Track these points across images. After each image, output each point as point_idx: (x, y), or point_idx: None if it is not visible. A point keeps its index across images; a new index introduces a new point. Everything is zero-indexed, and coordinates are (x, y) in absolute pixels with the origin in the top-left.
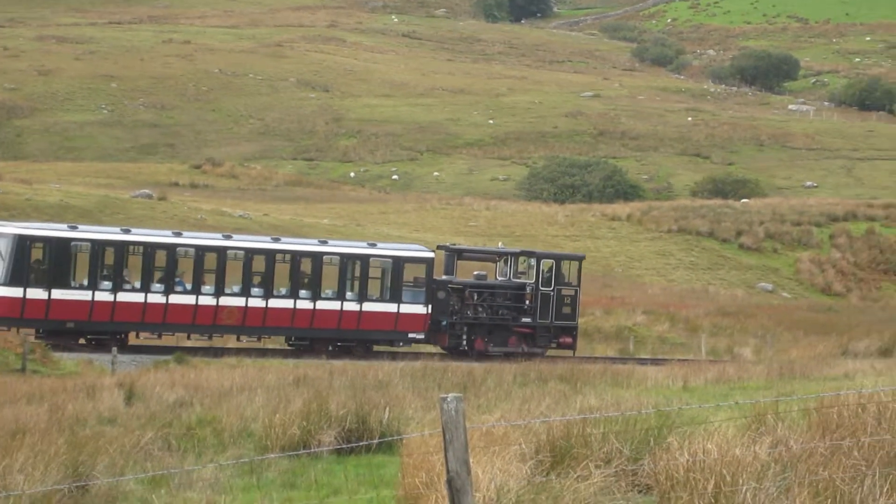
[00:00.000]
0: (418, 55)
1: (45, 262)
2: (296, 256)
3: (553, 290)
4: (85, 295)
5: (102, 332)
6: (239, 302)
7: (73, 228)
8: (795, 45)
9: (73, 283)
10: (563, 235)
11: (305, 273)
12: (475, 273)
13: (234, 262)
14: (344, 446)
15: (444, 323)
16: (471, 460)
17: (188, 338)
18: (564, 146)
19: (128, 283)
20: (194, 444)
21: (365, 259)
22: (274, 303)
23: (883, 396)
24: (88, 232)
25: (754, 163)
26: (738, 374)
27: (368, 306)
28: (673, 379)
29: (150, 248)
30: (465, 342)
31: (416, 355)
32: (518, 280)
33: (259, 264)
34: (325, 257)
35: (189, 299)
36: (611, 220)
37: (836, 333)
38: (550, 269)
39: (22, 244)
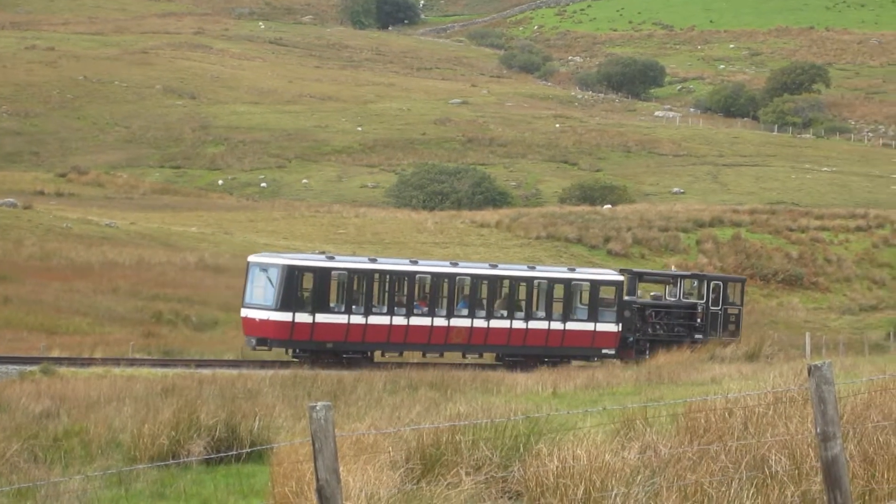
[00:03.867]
0: (286, 62)
1: (309, 289)
2: (513, 281)
3: (721, 309)
4: (342, 318)
5: (356, 351)
6: (466, 323)
7: (331, 259)
8: (661, 52)
9: (332, 308)
10: (432, 242)
11: (520, 297)
12: (652, 294)
13: (463, 288)
14: (213, 456)
15: (631, 339)
16: (341, 469)
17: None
18: (433, 153)
19: (376, 307)
20: (61, 455)
21: (568, 283)
22: (494, 323)
23: (749, 401)
24: (343, 262)
25: (622, 169)
26: (606, 380)
27: (571, 325)
28: (542, 385)
29: (393, 276)
30: (647, 357)
31: (286, 364)
32: (689, 300)
33: (483, 289)
34: (535, 282)
35: (426, 321)
36: (480, 227)
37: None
38: (717, 290)
39: (290, 273)
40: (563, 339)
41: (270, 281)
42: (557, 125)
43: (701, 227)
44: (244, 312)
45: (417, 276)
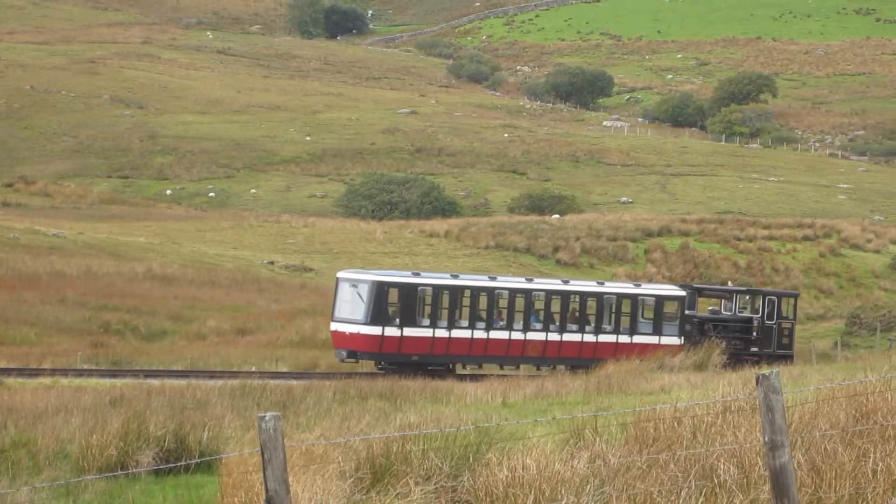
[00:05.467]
0: (234, 72)
1: (397, 304)
2: (583, 297)
3: (775, 324)
4: (427, 332)
5: (439, 363)
6: (541, 336)
7: (417, 275)
8: (609, 62)
9: (419, 322)
10: (381, 252)
11: (590, 311)
12: (710, 308)
13: (537, 303)
14: (162, 466)
15: None
16: (290, 479)
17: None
18: (382, 163)
19: (458, 321)
20: (8, 466)
21: (635, 298)
22: (567, 337)
23: (698, 410)
24: (429, 278)
25: (570, 179)
26: (556, 390)
27: (637, 339)
28: (492, 395)
29: (474, 291)
30: None
31: (234, 374)
32: (744, 314)
33: (556, 304)
34: (604, 297)
35: (504, 335)
36: (429, 237)
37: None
38: (772, 305)
39: (380, 289)
40: (629, 352)
41: (360, 296)
42: (506, 135)
43: (649, 237)
44: (334, 326)
45: (496, 291)
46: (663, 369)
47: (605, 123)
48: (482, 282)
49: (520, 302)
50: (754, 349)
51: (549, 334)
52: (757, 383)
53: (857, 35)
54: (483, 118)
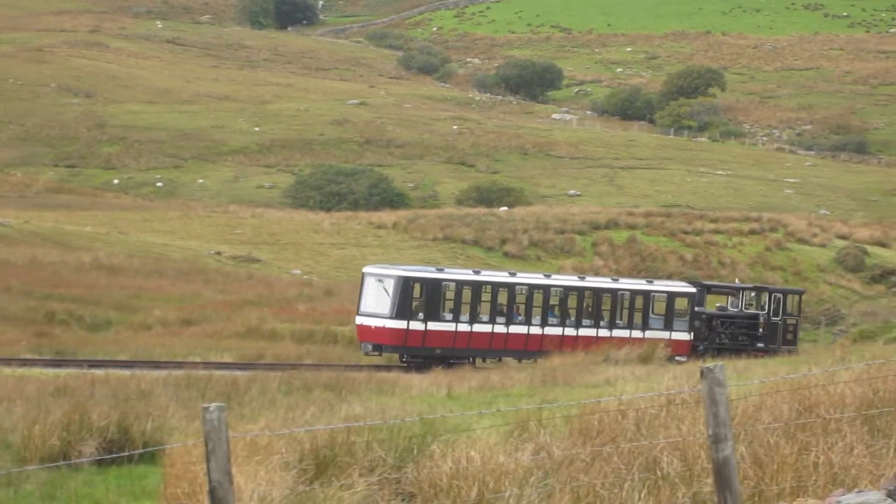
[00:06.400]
0: (183, 61)
1: (421, 298)
2: (599, 293)
3: (781, 320)
4: (450, 326)
5: (461, 357)
6: (557, 331)
7: (440, 270)
8: (559, 55)
9: (442, 317)
10: (329, 243)
11: (605, 307)
12: (717, 305)
13: (554, 298)
14: (105, 457)
15: (700, 348)
16: (234, 470)
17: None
18: (331, 154)
19: (479, 315)
20: None
21: (647, 294)
22: (583, 332)
23: (642, 403)
24: (452, 273)
25: (519, 171)
26: (501, 382)
27: (650, 334)
28: (437, 387)
29: (495, 287)
30: None
31: (179, 364)
32: (750, 311)
33: (573, 300)
34: (619, 293)
35: (523, 329)
36: (377, 228)
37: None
38: (778, 301)
39: (406, 284)
40: (643, 347)
41: (386, 291)
42: (455, 127)
43: (597, 230)
44: (359, 320)
45: (516, 287)
46: (608, 362)
47: (554, 116)
48: (502, 278)
49: (538, 297)
50: (760, 344)
51: (566, 329)
52: (701, 376)
53: (806, 30)
54: (432, 110)
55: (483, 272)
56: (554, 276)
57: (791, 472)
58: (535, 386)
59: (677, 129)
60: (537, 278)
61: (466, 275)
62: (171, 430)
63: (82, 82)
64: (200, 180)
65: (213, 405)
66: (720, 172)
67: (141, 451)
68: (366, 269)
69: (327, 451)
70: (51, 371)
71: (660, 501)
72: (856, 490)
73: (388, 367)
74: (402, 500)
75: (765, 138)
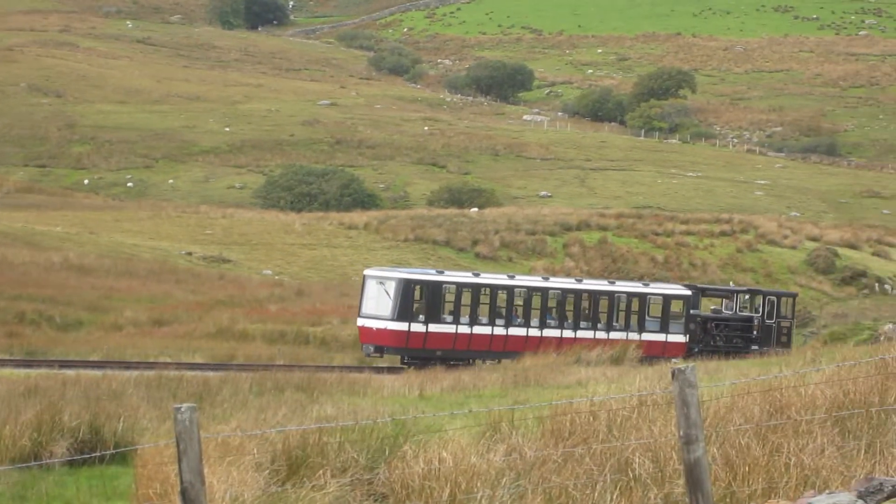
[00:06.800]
0: (153, 61)
1: (422, 301)
2: (596, 295)
3: (774, 322)
4: (450, 328)
5: (461, 359)
6: (556, 333)
7: (441, 273)
8: (530, 56)
9: (443, 319)
10: (299, 244)
11: (602, 309)
12: (712, 308)
13: (552, 301)
14: (77, 457)
15: (696, 350)
16: (206, 471)
17: None
18: (301, 154)
19: (479, 317)
20: None
21: (643, 297)
22: (580, 333)
23: (614, 404)
24: (452, 276)
25: (490, 172)
26: (473, 382)
27: (645, 336)
28: (409, 387)
29: (495, 289)
30: None
31: (151, 365)
32: (745, 313)
33: (570, 302)
34: (616, 295)
35: (522, 331)
36: (348, 229)
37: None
38: (772, 304)
39: (407, 287)
40: (639, 349)
41: (387, 293)
42: (426, 128)
43: (568, 231)
44: (361, 322)
45: (515, 289)
46: (580, 363)
47: (525, 117)
48: (502, 280)
49: (536, 300)
50: (755, 347)
51: (564, 331)
52: (673, 378)
53: (776, 32)
54: (403, 111)
55: (483, 275)
56: (552, 279)
57: (762, 474)
58: (507, 387)
59: (648, 130)
60: (536, 281)
61: (467, 277)
62: (142, 431)
63: (52, 82)
64: (171, 180)
65: (184, 406)
66: (691, 174)
67: (112, 451)
68: (367, 272)
69: (299, 452)
70: (21, 371)
71: (631, 502)
72: (827, 492)
73: (359, 368)
74: (375, 500)
75: (735, 140)
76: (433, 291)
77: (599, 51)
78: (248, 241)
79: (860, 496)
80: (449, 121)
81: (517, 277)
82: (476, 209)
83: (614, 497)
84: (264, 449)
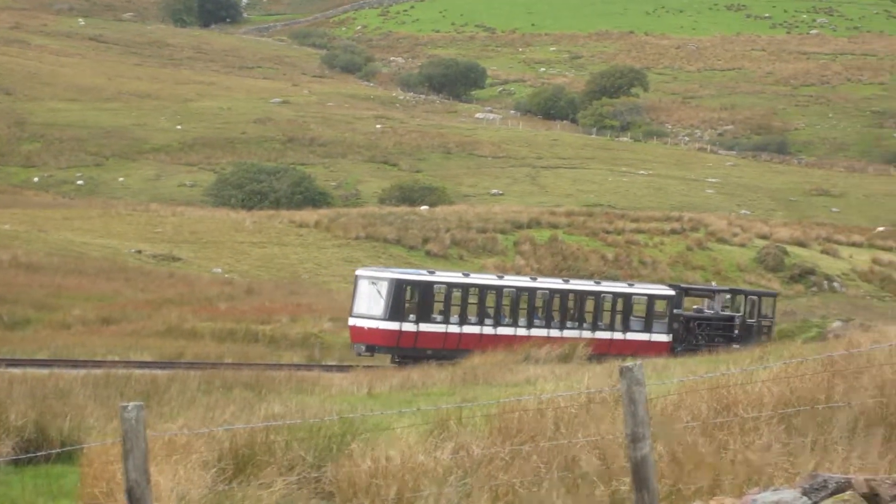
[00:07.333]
0: (105, 59)
1: (413, 301)
2: (582, 295)
3: (755, 322)
4: (441, 328)
5: (451, 358)
6: (544, 332)
7: (432, 273)
8: (483, 54)
9: (433, 318)
10: (250, 242)
11: (588, 309)
12: (694, 307)
13: (540, 300)
14: (22, 456)
15: (678, 349)
16: (152, 469)
17: None
18: (253, 152)
19: (469, 317)
20: None
21: (628, 297)
22: (567, 333)
23: (562, 402)
24: (443, 276)
25: (442, 170)
26: (422, 381)
27: (630, 336)
28: (358, 385)
29: (484, 289)
30: None
31: (98, 363)
32: (727, 312)
33: (556, 301)
34: (601, 295)
35: (510, 331)
36: (299, 227)
37: None
38: (753, 304)
39: (399, 287)
40: (622, 348)
41: (379, 293)
42: (378, 126)
43: (519, 229)
44: (352, 321)
45: (504, 289)
46: (529, 361)
47: (477, 115)
48: (491, 280)
49: (524, 300)
50: (736, 346)
51: (551, 331)
52: (620, 375)
53: (728, 31)
54: (356, 109)
55: (472, 275)
56: (540, 280)
57: (708, 471)
58: (455, 385)
59: (600, 128)
60: (524, 281)
61: (457, 277)
62: (89, 430)
63: (2, 79)
64: (121, 178)
65: (131, 404)
66: (642, 172)
67: (58, 450)
68: (359, 272)
69: (246, 451)
70: None
71: (578, 500)
72: (772, 488)
73: (308, 367)
74: (322, 499)
75: (687, 138)
76: (424, 291)
77: (552, 49)
78: (199, 239)
79: (805, 493)
80: (401, 119)
81: (506, 278)
82: (427, 207)
83: (561, 494)
84: (212, 447)
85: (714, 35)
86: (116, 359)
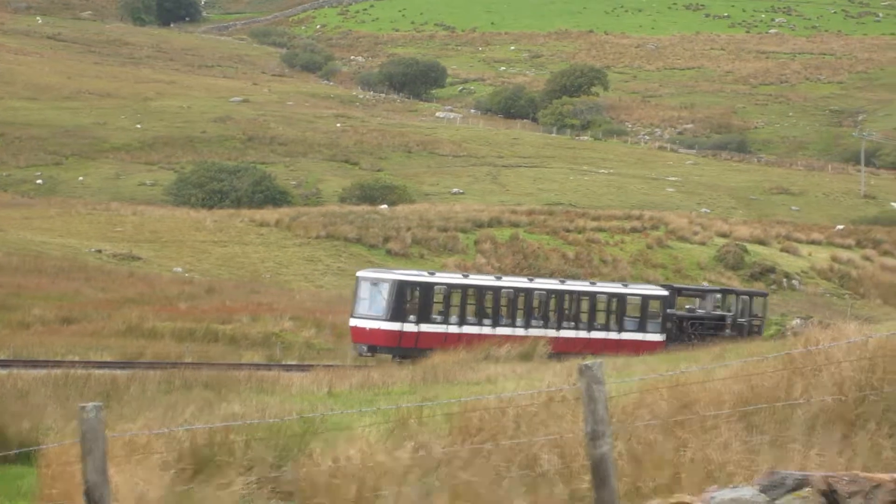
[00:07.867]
0: (64, 58)
1: (414, 302)
2: (578, 296)
3: (746, 321)
4: (441, 328)
5: None
6: (544, 332)
7: (432, 274)
8: (443, 53)
9: (434, 319)
10: (210, 241)
11: (583, 309)
12: (686, 307)
13: (537, 301)
14: None
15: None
16: (111, 470)
17: None
18: (213, 151)
19: (468, 318)
20: None
21: (623, 298)
22: (564, 333)
23: (522, 401)
24: (443, 277)
25: (403, 169)
26: (382, 380)
27: (625, 335)
28: (318, 385)
29: (483, 290)
30: None
31: (58, 363)
32: (718, 312)
33: (552, 302)
34: (597, 296)
35: (509, 331)
36: (259, 226)
37: None
38: (745, 303)
39: (400, 288)
40: (617, 348)
41: (381, 294)
42: (339, 125)
43: (480, 228)
44: (353, 322)
45: (502, 290)
46: (489, 360)
47: (437, 114)
48: (490, 281)
49: (522, 300)
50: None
51: (548, 331)
52: (580, 374)
53: (687, 30)
54: (316, 108)
55: (471, 276)
56: (536, 280)
57: (668, 469)
58: (416, 384)
59: (560, 127)
60: (522, 282)
61: (456, 279)
62: (47, 431)
63: None
64: (81, 178)
65: (90, 404)
66: (602, 171)
67: (16, 451)
68: (360, 274)
69: (206, 451)
70: None
71: (538, 499)
72: (730, 486)
73: (268, 366)
74: (281, 499)
75: (647, 137)
76: (425, 292)
77: (512, 48)
78: (159, 238)
79: (763, 490)
80: (362, 118)
81: (504, 279)
82: (387, 206)
83: (521, 493)
84: (171, 447)
85: (673, 34)
86: (76, 359)
